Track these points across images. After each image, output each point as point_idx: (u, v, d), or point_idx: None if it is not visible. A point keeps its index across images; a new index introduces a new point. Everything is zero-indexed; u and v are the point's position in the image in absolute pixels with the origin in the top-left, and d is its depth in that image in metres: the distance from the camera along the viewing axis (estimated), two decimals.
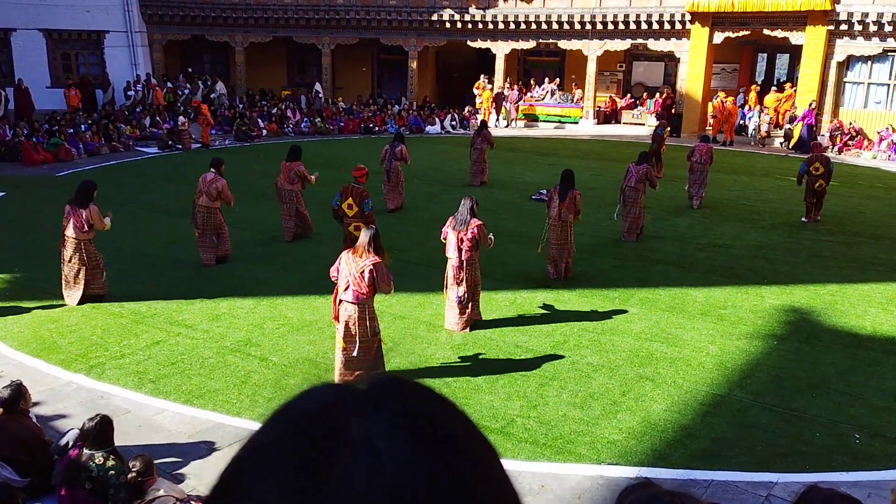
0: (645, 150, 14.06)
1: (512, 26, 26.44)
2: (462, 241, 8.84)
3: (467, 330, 8.97)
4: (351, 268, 7.28)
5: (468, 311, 8.96)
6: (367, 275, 7.21)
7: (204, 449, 6.51)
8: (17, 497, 5.22)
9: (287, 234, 12.57)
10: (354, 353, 7.35)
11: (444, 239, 9.13)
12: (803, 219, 14.44)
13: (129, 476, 5.27)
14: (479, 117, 27.41)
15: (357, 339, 7.29)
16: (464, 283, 8.85)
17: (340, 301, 7.34)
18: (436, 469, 0.56)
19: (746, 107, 25.55)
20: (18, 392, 5.92)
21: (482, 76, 28.28)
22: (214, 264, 11.27)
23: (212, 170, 11.32)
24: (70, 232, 9.56)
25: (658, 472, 6.20)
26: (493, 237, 9.10)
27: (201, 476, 6.12)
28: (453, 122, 26.92)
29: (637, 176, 12.75)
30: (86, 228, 9.56)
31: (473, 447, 0.61)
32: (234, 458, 0.61)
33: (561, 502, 5.83)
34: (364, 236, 7.34)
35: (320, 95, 28.07)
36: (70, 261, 9.64)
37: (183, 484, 5.91)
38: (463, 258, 8.86)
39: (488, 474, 0.60)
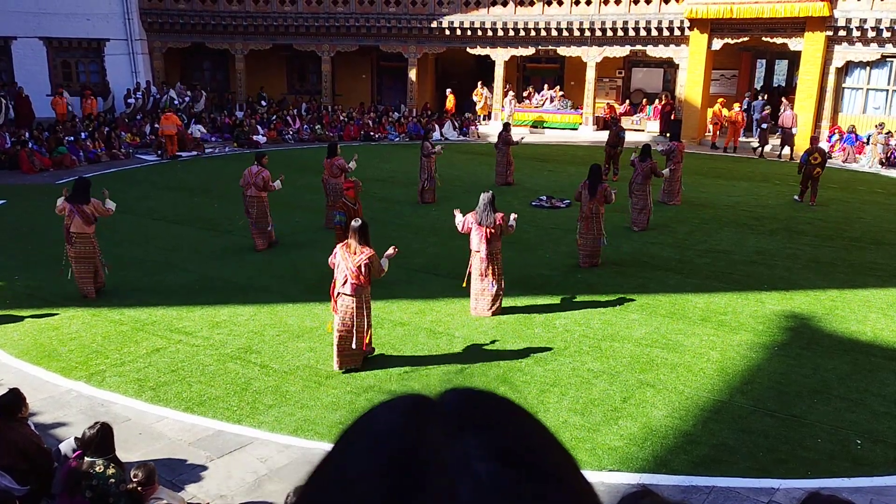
0: (648, 145, 14.89)
1: (511, 33, 26.49)
2: (489, 233, 9.36)
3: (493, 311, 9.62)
4: (347, 262, 7.70)
5: (500, 298, 9.63)
6: (363, 268, 7.69)
7: (204, 457, 6.50)
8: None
9: (328, 221, 13.56)
10: (353, 345, 7.86)
11: (464, 230, 9.62)
12: (795, 197, 16.57)
13: (131, 486, 5.26)
14: (480, 123, 27.59)
15: (354, 330, 7.79)
16: (492, 273, 9.45)
17: (339, 294, 7.80)
18: (539, 497, 0.54)
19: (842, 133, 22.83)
20: (17, 399, 5.89)
21: (479, 83, 28.43)
22: (267, 248, 12.48)
23: (255, 163, 12.56)
24: (76, 228, 9.89)
25: (659, 479, 6.19)
26: (514, 224, 9.73)
27: (202, 484, 6.11)
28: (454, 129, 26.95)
29: (643, 172, 13.82)
30: (92, 222, 9.98)
31: (568, 471, 0.59)
32: (316, 495, 0.57)
33: None
34: (352, 230, 7.78)
35: (175, 101, 26.29)
36: (79, 258, 9.97)
37: (183, 492, 5.90)
38: (491, 250, 9.40)
39: (585, 497, 0.59)
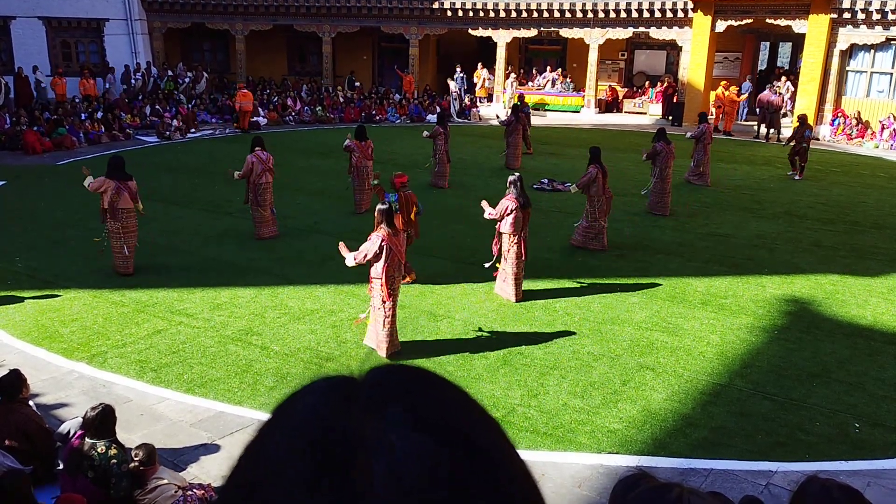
0: (662, 128, 14.86)
1: (513, 14, 26.31)
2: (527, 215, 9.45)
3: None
4: (399, 246, 7.91)
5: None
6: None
7: (205, 437, 6.54)
8: (26, 483, 5.23)
9: (357, 206, 13.62)
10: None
11: (503, 216, 9.38)
12: (791, 173, 17.51)
13: (132, 465, 5.30)
14: (480, 106, 27.48)
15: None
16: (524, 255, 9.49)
17: (394, 277, 7.90)
18: (458, 463, 0.55)
19: None
20: (18, 380, 5.91)
21: (479, 65, 28.28)
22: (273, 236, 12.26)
23: (256, 149, 12.01)
24: (124, 204, 10.10)
25: (658, 461, 6.23)
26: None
27: (202, 464, 6.14)
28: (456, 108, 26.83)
29: (673, 154, 13.86)
30: (135, 198, 10.24)
31: (488, 435, 0.60)
32: (241, 481, 0.58)
33: (561, 491, 5.85)
34: (386, 213, 7.82)
35: (47, 88, 24.26)
36: (128, 233, 10.21)
37: (184, 472, 5.94)
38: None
39: (507, 461, 0.60)
